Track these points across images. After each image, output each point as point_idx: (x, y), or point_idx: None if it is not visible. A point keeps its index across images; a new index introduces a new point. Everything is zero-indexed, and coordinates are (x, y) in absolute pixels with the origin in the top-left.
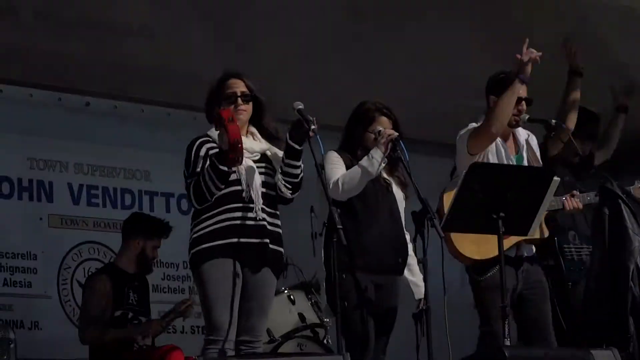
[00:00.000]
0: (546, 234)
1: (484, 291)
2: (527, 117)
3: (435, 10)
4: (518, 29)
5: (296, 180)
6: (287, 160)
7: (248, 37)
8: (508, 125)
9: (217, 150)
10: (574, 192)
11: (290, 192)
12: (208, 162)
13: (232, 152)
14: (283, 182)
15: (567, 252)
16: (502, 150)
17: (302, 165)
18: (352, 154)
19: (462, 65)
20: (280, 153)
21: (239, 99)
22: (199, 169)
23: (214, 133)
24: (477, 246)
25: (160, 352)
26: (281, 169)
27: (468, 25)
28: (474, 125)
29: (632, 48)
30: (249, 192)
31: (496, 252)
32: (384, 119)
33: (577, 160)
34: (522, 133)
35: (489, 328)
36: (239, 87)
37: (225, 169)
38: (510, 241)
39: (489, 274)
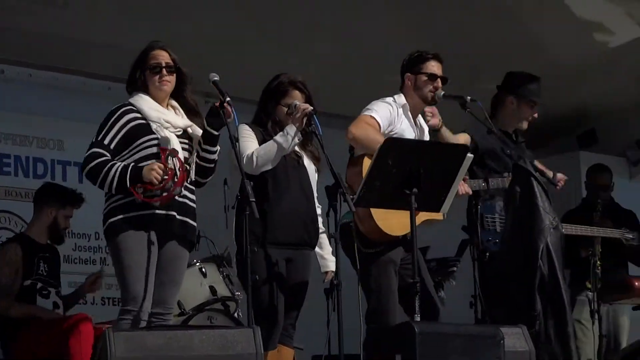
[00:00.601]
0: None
1: (374, 266)
2: (442, 93)
3: None
4: (432, 5)
5: (211, 165)
6: (204, 146)
7: (164, 9)
8: (426, 102)
9: (141, 122)
10: (465, 177)
11: (200, 177)
12: (120, 167)
13: (150, 196)
14: (197, 167)
15: (490, 222)
16: (414, 129)
17: (218, 150)
18: (264, 126)
19: (378, 40)
20: (200, 132)
21: (164, 70)
22: (107, 141)
23: (137, 101)
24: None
25: (70, 322)
26: (198, 154)
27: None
28: (379, 102)
29: (549, 27)
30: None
31: (398, 232)
32: (297, 92)
33: (526, 127)
34: (422, 120)
35: (379, 305)
36: (164, 58)
37: (129, 196)
38: (418, 219)
39: (378, 249)
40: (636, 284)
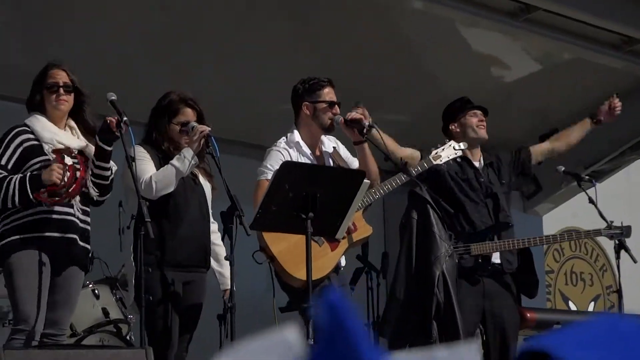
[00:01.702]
0: (369, 232)
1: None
2: (340, 118)
3: (248, 11)
4: (328, 34)
5: (106, 182)
6: (97, 163)
7: (57, 29)
8: (324, 129)
9: (35, 143)
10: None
11: (99, 194)
12: (19, 178)
13: (56, 197)
14: (92, 184)
15: None
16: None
17: (112, 167)
18: (158, 147)
19: (274, 67)
20: None
21: (61, 89)
22: (3, 162)
23: (31, 122)
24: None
25: None
26: (91, 171)
27: (279, 27)
28: (271, 154)
29: (446, 60)
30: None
31: (323, 272)
32: (189, 110)
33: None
34: (327, 143)
35: None
36: (62, 77)
37: (34, 200)
38: (342, 248)
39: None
40: (528, 315)
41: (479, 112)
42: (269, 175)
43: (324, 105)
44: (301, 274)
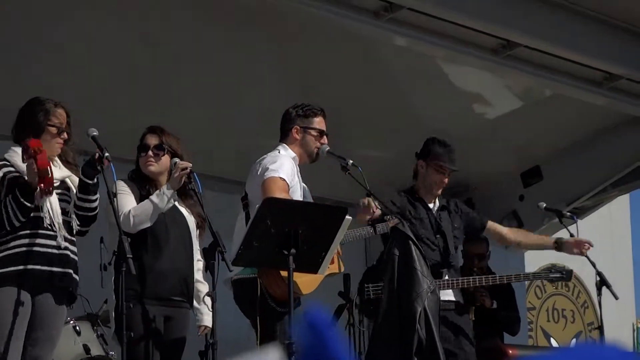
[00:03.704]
0: (342, 268)
1: (280, 324)
2: (327, 149)
3: (230, 47)
4: (314, 71)
5: (89, 214)
6: (80, 195)
7: (39, 63)
8: (309, 156)
9: (16, 175)
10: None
11: (81, 225)
12: (10, 195)
13: (40, 183)
14: (75, 215)
15: (366, 292)
16: (301, 183)
17: (98, 198)
18: (140, 182)
19: (255, 104)
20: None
21: (65, 133)
22: None
23: (11, 156)
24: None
25: None
26: (75, 204)
27: (262, 64)
28: (282, 158)
29: (428, 97)
30: (50, 219)
31: (314, 285)
32: (150, 136)
33: (438, 192)
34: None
35: None
36: (64, 119)
37: (28, 204)
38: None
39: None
40: (510, 351)
41: (447, 171)
42: (282, 174)
43: (314, 133)
44: (298, 288)
